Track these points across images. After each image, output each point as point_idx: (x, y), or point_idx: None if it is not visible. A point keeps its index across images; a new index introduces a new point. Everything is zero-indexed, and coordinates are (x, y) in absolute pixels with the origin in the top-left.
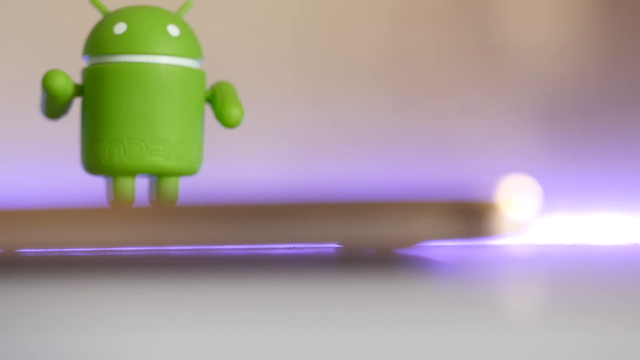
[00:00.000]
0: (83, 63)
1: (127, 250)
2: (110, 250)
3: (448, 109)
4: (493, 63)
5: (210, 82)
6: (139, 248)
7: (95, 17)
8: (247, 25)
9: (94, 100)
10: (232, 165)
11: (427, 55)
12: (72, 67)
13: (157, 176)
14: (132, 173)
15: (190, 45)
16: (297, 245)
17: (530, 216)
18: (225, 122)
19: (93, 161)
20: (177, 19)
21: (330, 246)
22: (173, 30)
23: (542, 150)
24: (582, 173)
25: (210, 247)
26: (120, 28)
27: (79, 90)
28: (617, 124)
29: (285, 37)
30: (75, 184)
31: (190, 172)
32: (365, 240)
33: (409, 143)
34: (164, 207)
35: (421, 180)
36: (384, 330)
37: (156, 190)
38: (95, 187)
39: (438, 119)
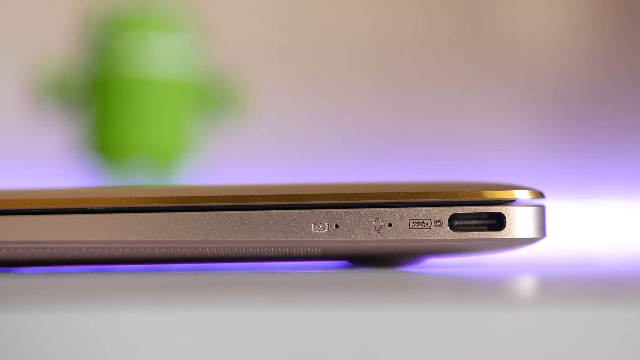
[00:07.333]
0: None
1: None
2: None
3: (448, 105)
4: (495, 55)
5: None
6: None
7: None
8: (246, 23)
9: (107, 103)
10: (230, 163)
11: (426, 51)
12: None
13: (157, 158)
14: (135, 154)
15: (182, 61)
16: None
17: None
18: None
19: (110, 145)
20: (173, 33)
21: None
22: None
23: (543, 146)
24: (588, 165)
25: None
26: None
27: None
28: (624, 114)
29: (281, 31)
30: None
31: (181, 150)
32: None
33: (409, 142)
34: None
35: (423, 178)
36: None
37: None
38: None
39: (438, 116)
